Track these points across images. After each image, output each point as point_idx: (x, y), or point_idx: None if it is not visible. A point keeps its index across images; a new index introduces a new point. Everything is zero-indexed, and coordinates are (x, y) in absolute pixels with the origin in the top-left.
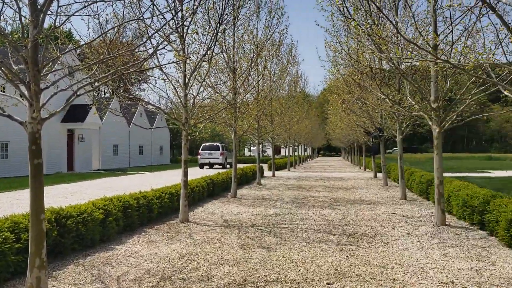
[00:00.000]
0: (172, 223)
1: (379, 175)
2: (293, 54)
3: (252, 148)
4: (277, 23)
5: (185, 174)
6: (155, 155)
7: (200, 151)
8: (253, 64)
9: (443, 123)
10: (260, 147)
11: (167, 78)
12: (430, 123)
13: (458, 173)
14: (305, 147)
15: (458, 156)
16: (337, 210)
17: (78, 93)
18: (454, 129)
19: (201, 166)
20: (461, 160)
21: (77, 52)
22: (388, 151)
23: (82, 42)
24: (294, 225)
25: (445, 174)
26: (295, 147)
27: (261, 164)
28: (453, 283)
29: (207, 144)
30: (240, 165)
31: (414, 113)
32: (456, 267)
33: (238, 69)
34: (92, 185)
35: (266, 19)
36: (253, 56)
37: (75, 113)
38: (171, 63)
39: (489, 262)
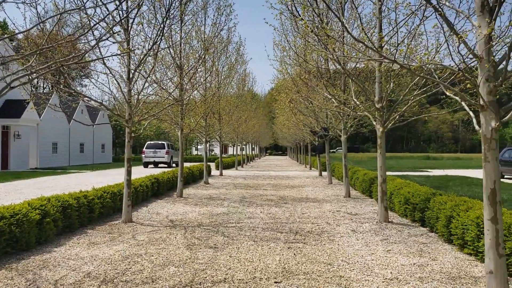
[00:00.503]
0: (114, 224)
1: (324, 173)
2: (241, 52)
3: (199, 147)
4: (225, 20)
5: (129, 173)
6: (97, 154)
7: (144, 149)
8: (200, 60)
9: (386, 123)
10: (207, 145)
11: (110, 73)
12: (374, 122)
13: (399, 172)
14: (253, 146)
15: (398, 155)
16: (284, 208)
17: (12, 86)
18: (394, 129)
19: (146, 165)
20: (401, 160)
21: (13, 43)
22: (332, 150)
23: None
24: (242, 224)
25: (387, 173)
26: (243, 146)
27: (208, 163)
28: (397, 279)
29: (152, 142)
30: (187, 164)
31: (359, 113)
32: (400, 263)
33: (185, 66)
34: (28, 185)
35: (214, 16)
36: (201, 52)
37: (11, 109)
38: (114, 55)
39: (430, 258)
